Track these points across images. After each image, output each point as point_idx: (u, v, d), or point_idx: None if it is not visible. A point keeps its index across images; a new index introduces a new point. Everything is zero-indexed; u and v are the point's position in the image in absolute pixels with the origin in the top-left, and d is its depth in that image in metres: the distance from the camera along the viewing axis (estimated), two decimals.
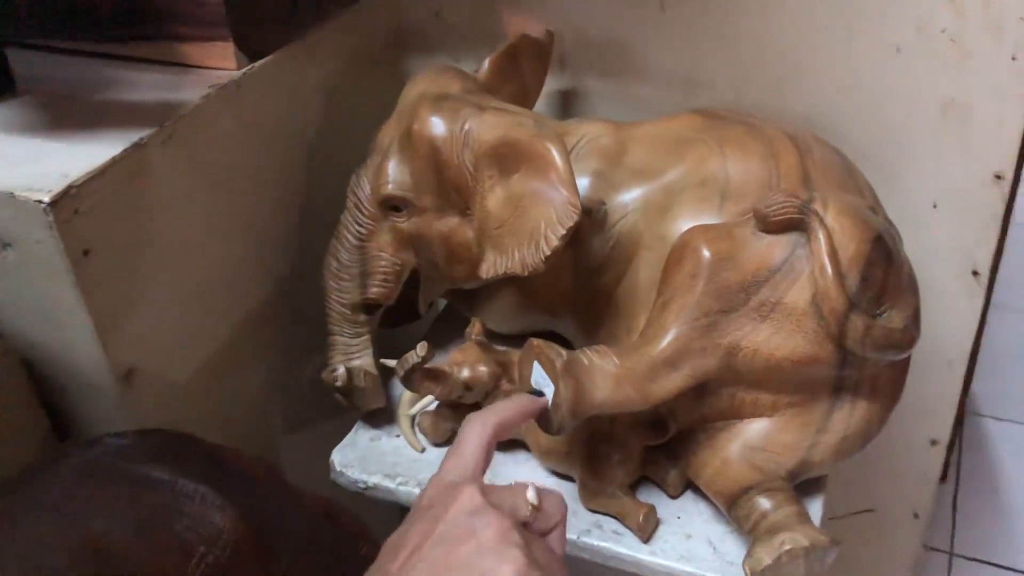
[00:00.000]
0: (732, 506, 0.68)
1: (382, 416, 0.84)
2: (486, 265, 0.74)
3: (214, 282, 0.80)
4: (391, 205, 0.78)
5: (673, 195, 0.75)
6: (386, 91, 0.99)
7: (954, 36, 0.80)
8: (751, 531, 0.67)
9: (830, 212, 0.65)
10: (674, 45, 0.91)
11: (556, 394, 0.63)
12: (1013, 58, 0.79)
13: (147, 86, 0.76)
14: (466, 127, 0.73)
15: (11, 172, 0.64)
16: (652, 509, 0.72)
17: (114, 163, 0.66)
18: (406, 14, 1.00)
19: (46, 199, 0.61)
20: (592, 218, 0.75)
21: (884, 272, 0.66)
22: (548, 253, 0.69)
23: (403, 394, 0.84)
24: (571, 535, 0.73)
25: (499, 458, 0.79)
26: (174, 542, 0.52)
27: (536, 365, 0.66)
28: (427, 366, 0.73)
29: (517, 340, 0.86)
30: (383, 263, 0.80)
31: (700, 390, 0.69)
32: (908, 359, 0.71)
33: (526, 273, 0.71)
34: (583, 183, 0.76)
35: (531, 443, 0.78)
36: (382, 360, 0.82)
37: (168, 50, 0.77)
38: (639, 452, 0.73)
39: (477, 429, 0.58)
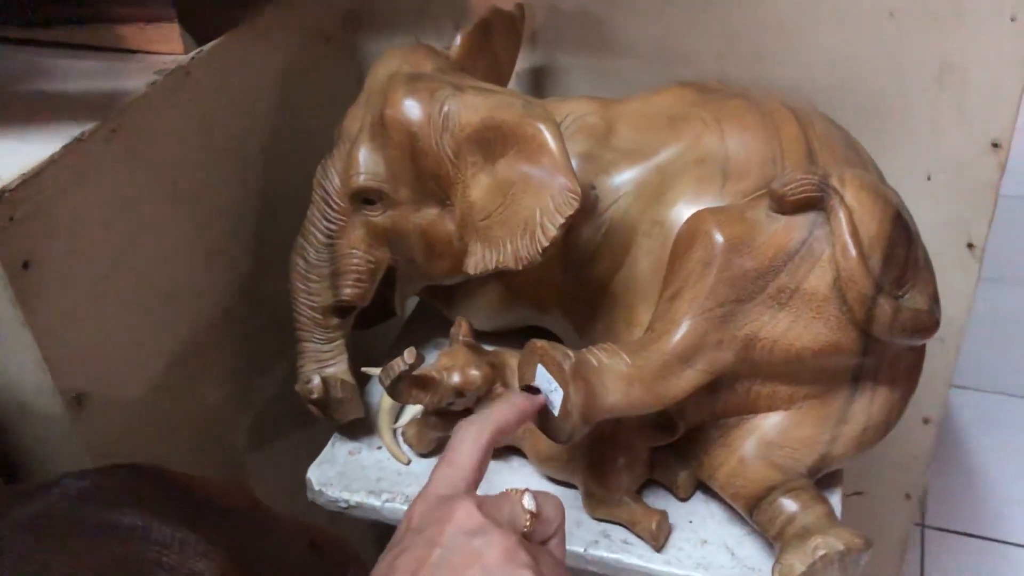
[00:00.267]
0: (754, 510, 0.64)
1: (360, 427, 0.78)
2: (474, 260, 0.68)
3: (169, 290, 0.72)
4: (363, 198, 0.71)
5: (669, 176, 0.70)
6: (343, 73, 0.92)
7: None
8: (777, 536, 0.62)
9: (848, 189, 0.61)
10: (652, 16, 0.85)
11: (566, 400, 0.58)
12: (1012, 19, 0.76)
13: (84, 75, 0.68)
14: (445, 109, 0.67)
15: None
16: (664, 515, 0.67)
17: (52, 163, 0.59)
18: None
19: None
20: (582, 204, 0.69)
21: (905, 251, 0.62)
22: (546, 244, 0.63)
23: (382, 401, 0.78)
24: (578, 547, 0.67)
25: (493, 465, 0.73)
26: None
27: (540, 369, 0.60)
28: (414, 373, 0.66)
29: (502, 338, 0.80)
30: (356, 261, 0.73)
31: (713, 385, 0.64)
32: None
33: (520, 267, 0.65)
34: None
35: (528, 449, 0.72)
36: (363, 368, 0.75)
37: (105, 34, 0.69)
38: (646, 454, 0.68)
39: (471, 436, 0.53)
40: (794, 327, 0.61)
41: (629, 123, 0.74)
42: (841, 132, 0.72)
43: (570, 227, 0.69)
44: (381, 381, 0.66)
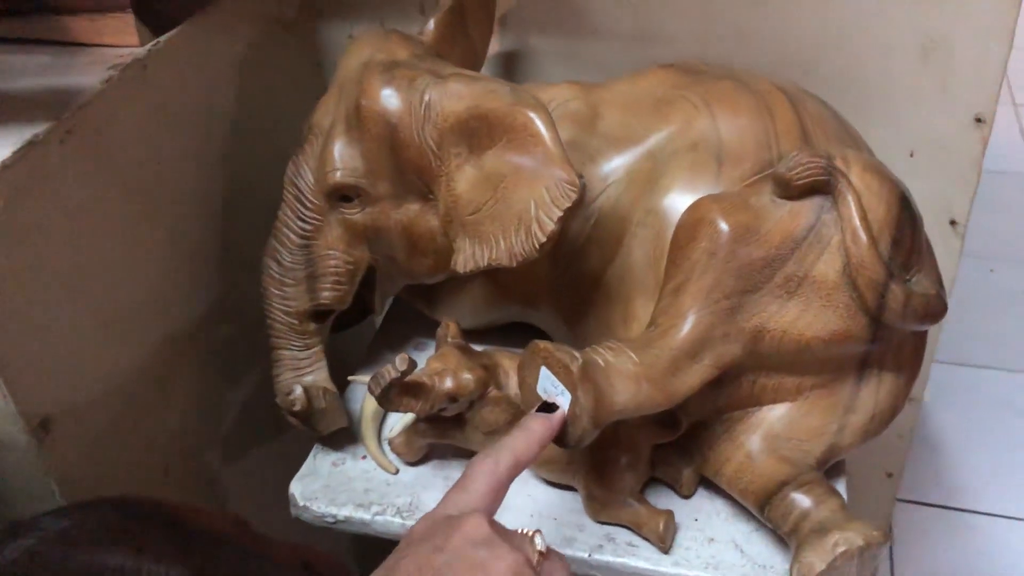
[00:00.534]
0: (765, 506, 0.62)
1: (343, 436, 0.74)
2: (463, 257, 0.65)
3: (134, 302, 0.67)
4: (340, 195, 0.67)
5: (661, 162, 0.67)
6: (302, 62, 0.87)
7: None
8: (791, 532, 0.60)
9: (854, 171, 0.59)
10: None
11: (575, 404, 0.55)
12: None
13: (34, 72, 0.63)
14: (426, 98, 0.63)
15: None
16: (671, 515, 0.64)
17: (4, 169, 0.54)
18: None
19: None
20: (580, 195, 0.66)
21: (912, 234, 0.60)
22: (543, 240, 0.60)
23: (363, 408, 0.74)
24: (582, 553, 0.65)
25: None
26: None
27: (543, 371, 0.57)
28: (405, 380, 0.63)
29: (487, 336, 0.77)
30: (334, 262, 0.69)
31: (717, 379, 0.61)
32: None
33: (514, 264, 0.62)
34: None
35: None
36: (350, 377, 0.71)
37: (54, 26, 0.64)
38: (648, 453, 0.66)
39: (488, 468, 0.50)
40: (803, 316, 0.59)
41: (614, 108, 0.71)
42: (831, 111, 0.70)
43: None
44: (371, 390, 0.62)
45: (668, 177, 0.66)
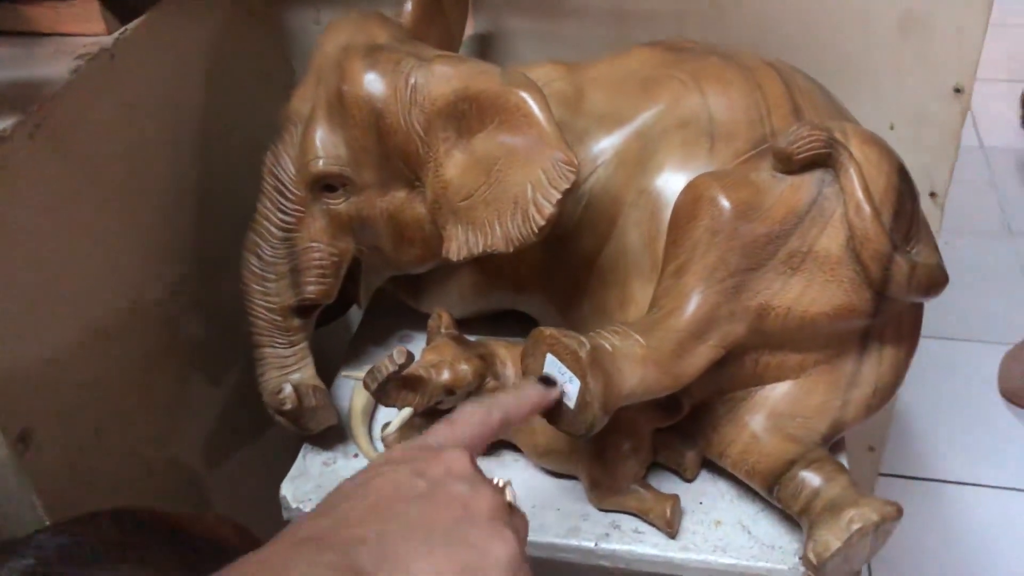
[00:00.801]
0: (774, 486, 0.61)
1: (332, 434, 0.71)
2: (456, 245, 0.63)
3: (107, 303, 0.64)
4: (324, 185, 0.65)
5: (651, 141, 0.66)
6: (269, 49, 0.84)
7: None
8: (803, 511, 0.59)
9: (853, 143, 0.58)
10: None
11: (584, 390, 0.53)
12: None
13: None
14: (412, 81, 0.61)
15: None
16: (677, 500, 0.63)
17: None
18: None
19: None
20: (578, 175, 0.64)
21: (912, 204, 0.59)
22: (542, 223, 0.58)
23: (352, 404, 0.72)
24: (588, 542, 0.64)
25: (482, 463, 0.68)
26: None
27: (549, 358, 0.55)
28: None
29: (475, 325, 0.75)
30: (318, 255, 0.67)
31: (721, 359, 0.60)
32: None
33: (511, 249, 0.60)
34: None
35: (523, 443, 0.67)
36: (344, 373, 0.69)
37: (16, 16, 0.60)
38: (650, 437, 0.64)
39: (480, 414, 0.48)
40: (807, 292, 0.58)
41: (600, 88, 0.69)
42: (818, 85, 0.70)
43: None
44: (367, 385, 0.60)
45: (660, 156, 0.65)
